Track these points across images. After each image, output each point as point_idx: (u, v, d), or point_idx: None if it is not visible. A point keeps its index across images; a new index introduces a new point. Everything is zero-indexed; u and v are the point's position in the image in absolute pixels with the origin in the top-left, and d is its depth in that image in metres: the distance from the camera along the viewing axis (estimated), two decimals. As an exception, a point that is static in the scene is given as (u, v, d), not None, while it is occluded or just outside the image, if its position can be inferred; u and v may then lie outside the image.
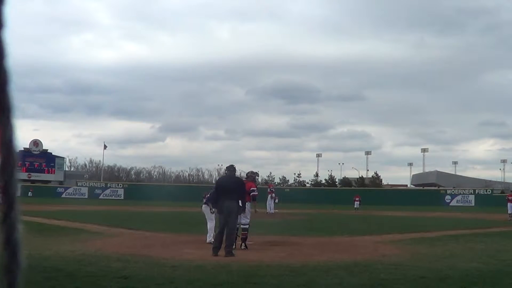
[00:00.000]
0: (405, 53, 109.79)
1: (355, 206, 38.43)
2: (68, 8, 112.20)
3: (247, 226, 11.15)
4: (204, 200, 12.59)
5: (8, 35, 0.84)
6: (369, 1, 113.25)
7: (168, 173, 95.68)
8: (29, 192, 53.63)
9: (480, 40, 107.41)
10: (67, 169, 76.01)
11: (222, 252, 9.65)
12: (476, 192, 55.69)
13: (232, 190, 10.02)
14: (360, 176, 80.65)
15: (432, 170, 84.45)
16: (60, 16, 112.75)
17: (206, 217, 12.48)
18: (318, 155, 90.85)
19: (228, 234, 9.84)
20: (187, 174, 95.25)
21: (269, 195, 29.32)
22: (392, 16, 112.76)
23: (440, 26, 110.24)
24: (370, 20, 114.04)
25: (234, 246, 10.28)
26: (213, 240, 10.40)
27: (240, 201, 10.07)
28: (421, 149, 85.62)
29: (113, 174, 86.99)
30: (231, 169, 10.71)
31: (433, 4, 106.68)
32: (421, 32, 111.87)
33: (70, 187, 58.66)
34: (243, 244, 10.91)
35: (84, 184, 60.27)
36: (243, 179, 11.46)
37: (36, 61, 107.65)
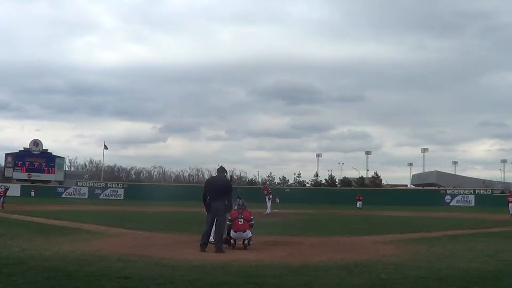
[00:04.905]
0: (405, 55, 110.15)
1: (358, 206, 38.46)
2: (72, 11, 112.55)
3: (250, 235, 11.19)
4: None
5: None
6: (369, 4, 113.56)
7: (168, 173, 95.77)
8: (32, 192, 53.63)
9: (479, 42, 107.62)
10: (67, 169, 76.00)
11: (212, 249, 10.10)
12: (476, 192, 55.70)
13: (219, 191, 10.64)
14: (360, 176, 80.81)
15: (432, 170, 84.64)
16: (64, 19, 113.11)
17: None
18: (318, 155, 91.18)
19: (217, 232, 10.39)
20: (187, 174, 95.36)
21: (266, 197, 30.17)
22: (392, 19, 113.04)
23: (439, 29, 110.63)
24: (370, 23, 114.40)
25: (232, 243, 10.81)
26: (213, 239, 10.50)
27: (226, 201, 10.67)
28: (421, 149, 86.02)
29: (113, 174, 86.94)
30: (220, 170, 11.24)
31: (432, 7, 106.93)
32: (420, 34, 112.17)
33: (70, 187, 58.65)
34: (246, 241, 10.94)
35: (84, 184, 60.26)
36: (240, 207, 11.59)
37: (39, 62, 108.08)
